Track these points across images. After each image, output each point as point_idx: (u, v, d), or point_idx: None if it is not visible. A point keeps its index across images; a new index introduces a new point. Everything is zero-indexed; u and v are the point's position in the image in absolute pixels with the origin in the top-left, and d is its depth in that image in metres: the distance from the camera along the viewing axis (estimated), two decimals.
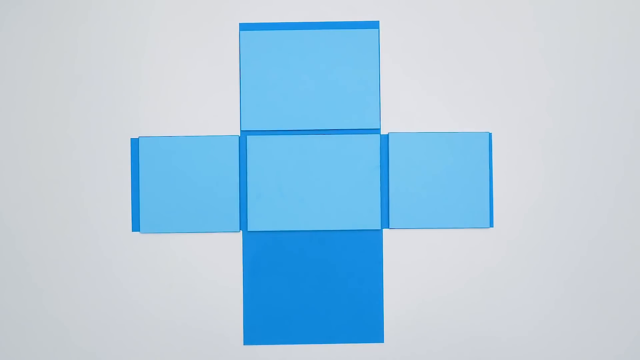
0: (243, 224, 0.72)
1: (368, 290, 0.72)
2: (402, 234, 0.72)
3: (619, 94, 0.72)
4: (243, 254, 0.72)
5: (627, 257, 0.72)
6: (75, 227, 0.72)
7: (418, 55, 0.72)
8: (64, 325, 0.72)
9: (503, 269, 0.72)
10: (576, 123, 0.72)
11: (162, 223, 0.72)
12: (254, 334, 0.72)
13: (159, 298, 0.72)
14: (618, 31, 0.72)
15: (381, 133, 0.72)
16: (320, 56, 0.72)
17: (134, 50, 0.72)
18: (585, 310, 0.72)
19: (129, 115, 0.72)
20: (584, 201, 0.72)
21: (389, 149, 0.72)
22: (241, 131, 0.73)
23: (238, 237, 0.72)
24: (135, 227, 0.72)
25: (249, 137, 0.72)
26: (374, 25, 0.73)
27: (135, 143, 0.72)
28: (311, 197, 0.71)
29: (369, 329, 0.72)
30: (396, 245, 0.72)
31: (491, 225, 0.72)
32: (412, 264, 0.72)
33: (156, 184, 0.72)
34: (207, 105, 0.72)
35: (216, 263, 0.72)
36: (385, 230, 0.72)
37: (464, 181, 0.72)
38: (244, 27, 0.73)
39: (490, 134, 0.72)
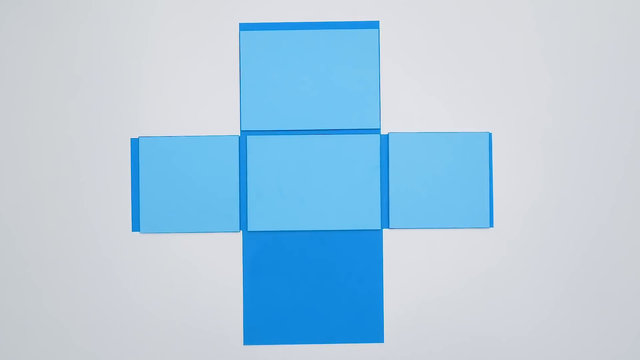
0: (243, 224, 0.72)
1: (368, 290, 0.72)
2: (402, 234, 0.72)
3: (619, 94, 0.72)
4: (243, 254, 0.72)
5: (627, 256, 0.72)
6: (75, 227, 0.72)
7: (418, 55, 0.72)
8: (64, 325, 0.72)
9: (503, 269, 0.72)
10: (576, 123, 0.72)
11: (162, 223, 0.72)
12: (254, 334, 0.72)
13: (159, 298, 0.72)
14: (618, 31, 0.72)
15: (381, 133, 0.72)
16: (320, 56, 0.72)
17: (134, 50, 0.72)
18: (585, 310, 0.72)
19: (129, 115, 0.72)
20: (583, 201, 0.72)
21: (389, 149, 0.72)
22: (241, 131, 0.73)
23: (238, 237, 0.72)
24: (135, 227, 0.72)
25: (249, 137, 0.72)
26: (374, 25, 0.73)
27: (135, 143, 0.72)
28: (311, 197, 0.71)
29: (369, 329, 0.72)
30: (396, 245, 0.72)
31: (491, 225, 0.72)
32: (412, 264, 0.72)
33: (156, 184, 0.72)
34: (207, 105, 0.72)
35: (216, 263, 0.72)
36: (385, 230, 0.72)
37: (464, 181, 0.72)
38: (244, 27, 0.73)
39: (490, 134, 0.72)
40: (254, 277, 0.72)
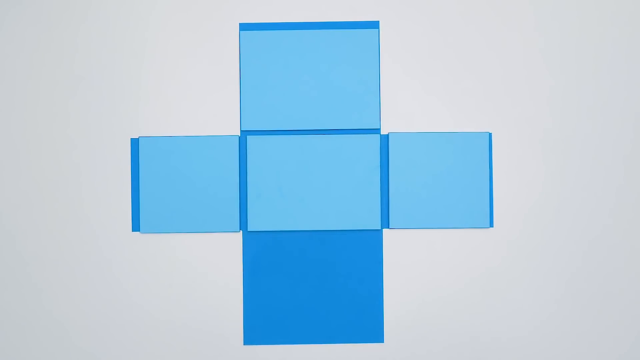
0: (243, 224, 0.72)
1: (368, 290, 0.72)
2: (402, 234, 0.72)
3: (619, 94, 0.72)
4: (243, 254, 0.72)
5: (628, 257, 0.72)
6: (75, 227, 0.72)
7: (418, 55, 0.72)
8: (64, 325, 0.72)
9: (503, 269, 0.72)
10: (576, 123, 0.72)
11: (162, 223, 0.72)
12: (254, 334, 0.72)
13: (159, 298, 0.72)
14: (618, 31, 0.72)
15: (381, 133, 0.72)
16: (320, 56, 0.72)
17: (134, 50, 0.72)
18: (585, 311, 0.72)
19: (129, 115, 0.72)
20: (584, 201, 0.72)
21: (389, 149, 0.72)
22: (241, 131, 0.73)
23: (238, 237, 0.72)
24: (135, 227, 0.72)
25: (249, 137, 0.72)
26: (374, 25, 0.73)
27: (135, 143, 0.72)
28: (311, 197, 0.71)
29: (369, 329, 0.72)
30: (396, 245, 0.72)
31: (491, 225, 0.72)
32: (412, 264, 0.72)
33: (156, 184, 0.72)
34: (207, 105, 0.72)
35: (216, 263, 0.72)
36: (385, 230, 0.72)
37: (464, 181, 0.72)
38: (244, 27, 0.73)
39: (490, 134, 0.72)
40: (254, 277, 0.72)
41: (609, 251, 0.72)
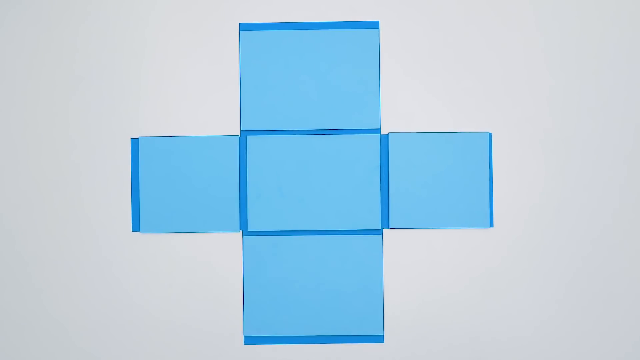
0: (243, 224, 0.72)
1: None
2: (402, 234, 0.72)
3: (619, 94, 0.72)
4: (243, 254, 0.72)
5: (629, 257, 0.72)
6: (75, 227, 0.72)
7: (418, 55, 0.72)
8: (64, 325, 0.72)
9: (503, 269, 0.72)
10: (576, 123, 0.72)
11: (162, 223, 0.72)
12: (254, 334, 0.72)
13: (159, 298, 0.72)
14: (619, 31, 0.72)
15: (381, 133, 0.72)
16: (320, 56, 0.72)
17: (134, 50, 0.72)
18: (586, 311, 0.72)
19: (129, 115, 0.72)
20: (584, 201, 0.72)
21: (389, 149, 0.72)
22: (241, 131, 0.73)
23: (238, 237, 0.72)
24: (135, 227, 0.72)
25: (249, 137, 0.72)
26: (374, 25, 0.73)
27: (135, 143, 0.72)
28: (311, 197, 0.71)
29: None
30: (396, 245, 0.72)
31: (491, 225, 0.72)
32: (412, 264, 0.72)
33: (156, 184, 0.72)
34: (207, 105, 0.72)
35: (216, 263, 0.72)
36: (385, 230, 0.72)
37: (464, 181, 0.72)
38: (244, 27, 0.73)
39: (490, 134, 0.72)
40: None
41: (610, 251, 0.72)
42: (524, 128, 0.72)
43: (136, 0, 0.73)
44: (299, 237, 0.72)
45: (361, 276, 0.72)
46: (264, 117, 0.72)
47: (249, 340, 0.72)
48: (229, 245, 0.72)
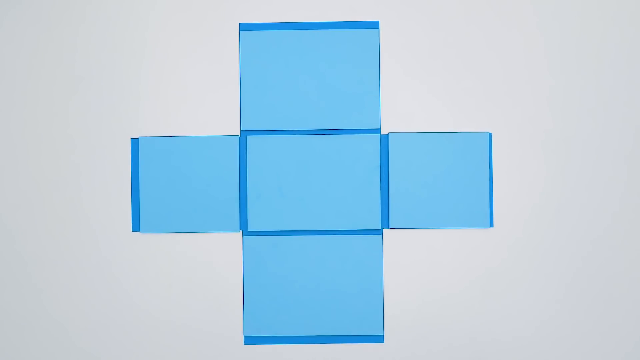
0: (243, 224, 0.72)
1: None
2: (402, 234, 0.72)
3: (620, 94, 0.72)
4: (243, 254, 0.72)
5: (629, 257, 0.72)
6: (75, 227, 0.72)
7: (418, 55, 0.72)
8: (64, 325, 0.72)
9: (503, 269, 0.72)
10: (577, 123, 0.72)
11: (162, 223, 0.72)
12: (254, 334, 0.72)
13: (159, 298, 0.72)
14: (619, 31, 0.72)
15: (381, 133, 0.72)
16: (320, 56, 0.72)
17: (134, 50, 0.72)
18: (586, 311, 0.72)
19: (129, 115, 0.72)
20: (584, 201, 0.72)
21: (389, 149, 0.72)
22: (241, 131, 0.73)
23: (238, 237, 0.72)
24: (135, 227, 0.72)
25: (249, 137, 0.72)
26: (374, 25, 0.73)
27: (135, 143, 0.72)
28: (311, 197, 0.71)
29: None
30: (396, 245, 0.72)
31: (491, 225, 0.72)
32: (412, 264, 0.72)
33: (156, 184, 0.72)
34: (207, 105, 0.72)
35: (216, 263, 0.72)
36: (385, 230, 0.72)
37: (464, 181, 0.72)
38: (244, 27, 0.73)
39: (490, 134, 0.72)
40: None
41: (610, 251, 0.72)
42: (524, 128, 0.72)
43: (136, 0, 0.73)
44: (299, 237, 0.72)
45: (361, 276, 0.72)
46: (264, 117, 0.72)
47: (249, 340, 0.72)
48: (229, 245, 0.72)
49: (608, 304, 0.72)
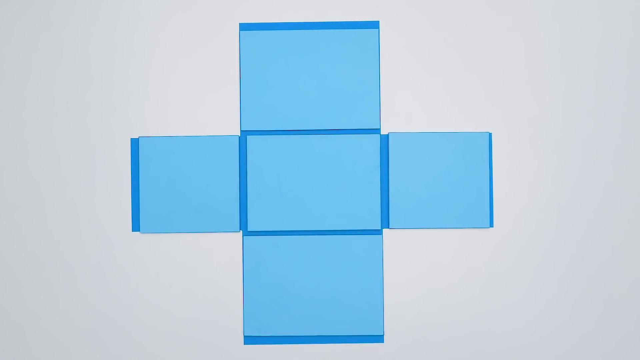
0: (243, 224, 0.72)
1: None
2: (402, 234, 0.72)
3: (620, 94, 0.72)
4: (243, 254, 0.72)
5: (629, 257, 0.72)
6: (75, 227, 0.72)
7: (418, 55, 0.72)
8: (64, 325, 0.72)
9: (503, 269, 0.72)
10: (577, 123, 0.72)
11: (162, 223, 0.72)
12: (254, 334, 0.72)
13: (159, 298, 0.72)
14: (620, 31, 0.72)
15: (381, 133, 0.72)
16: (320, 56, 0.72)
17: (134, 50, 0.72)
18: (586, 311, 0.72)
19: (129, 115, 0.72)
20: (584, 201, 0.72)
21: (389, 149, 0.72)
22: (241, 131, 0.73)
23: (238, 237, 0.72)
24: (135, 227, 0.72)
25: (249, 137, 0.72)
26: (374, 25, 0.73)
27: (135, 143, 0.72)
28: (311, 197, 0.71)
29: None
30: (396, 245, 0.72)
31: (491, 225, 0.72)
32: (412, 264, 0.72)
33: (156, 184, 0.72)
34: (207, 105, 0.72)
35: (216, 263, 0.72)
36: (385, 230, 0.72)
37: (464, 181, 0.72)
38: (244, 27, 0.73)
39: (490, 134, 0.72)
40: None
41: (610, 251, 0.72)
42: (524, 128, 0.72)
43: (136, 0, 0.73)
44: (299, 237, 0.72)
45: (361, 276, 0.72)
46: (264, 117, 0.72)
47: (249, 340, 0.72)
48: (229, 245, 0.72)
49: (608, 304, 0.72)
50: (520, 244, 0.72)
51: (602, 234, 0.72)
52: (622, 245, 0.72)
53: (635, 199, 0.72)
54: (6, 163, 0.72)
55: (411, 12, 0.73)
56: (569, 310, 0.72)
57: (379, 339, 0.72)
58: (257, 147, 0.72)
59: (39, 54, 0.72)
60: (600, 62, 0.72)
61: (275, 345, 0.72)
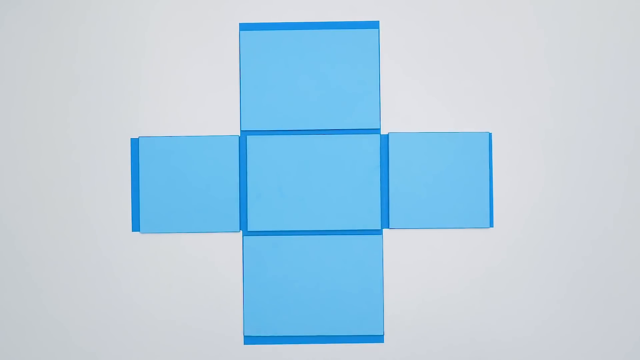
0: (243, 224, 0.72)
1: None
2: (402, 234, 0.72)
3: (620, 94, 0.72)
4: (243, 254, 0.72)
5: (629, 257, 0.72)
6: (75, 227, 0.72)
7: (418, 55, 0.72)
8: (64, 325, 0.72)
9: (503, 269, 0.72)
10: (577, 123, 0.72)
11: (162, 223, 0.72)
12: (254, 334, 0.72)
13: (159, 298, 0.72)
14: (620, 31, 0.72)
15: (381, 133, 0.72)
16: (320, 56, 0.72)
17: (134, 50, 0.72)
18: (587, 311, 0.72)
19: (129, 115, 0.72)
20: (584, 201, 0.72)
21: (389, 149, 0.72)
22: (241, 131, 0.73)
23: (238, 237, 0.72)
24: (135, 227, 0.72)
25: (249, 137, 0.72)
26: (374, 25, 0.72)
27: (135, 143, 0.72)
28: (311, 197, 0.71)
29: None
30: (396, 245, 0.72)
31: (491, 225, 0.72)
32: (412, 264, 0.72)
33: (156, 184, 0.72)
34: (207, 105, 0.72)
35: (216, 263, 0.72)
36: (385, 230, 0.72)
37: (464, 181, 0.72)
38: (244, 27, 0.73)
39: (490, 134, 0.72)
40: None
41: (610, 251, 0.72)
42: (524, 128, 0.72)
43: (136, 0, 0.73)
44: (299, 237, 0.72)
45: (361, 276, 0.72)
46: (264, 117, 0.72)
47: (249, 340, 0.72)
48: (229, 245, 0.72)
49: (608, 304, 0.72)
50: (520, 244, 0.72)
51: (602, 234, 0.72)
52: (622, 245, 0.72)
53: (635, 199, 0.72)
54: (6, 163, 0.72)
55: (411, 12, 0.73)
56: (569, 310, 0.72)
57: (379, 339, 0.72)
58: (257, 147, 0.72)
59: (39, 54, 0.72)
60: (600, 62, 0.72)
61: (275, 345, 0.72)
